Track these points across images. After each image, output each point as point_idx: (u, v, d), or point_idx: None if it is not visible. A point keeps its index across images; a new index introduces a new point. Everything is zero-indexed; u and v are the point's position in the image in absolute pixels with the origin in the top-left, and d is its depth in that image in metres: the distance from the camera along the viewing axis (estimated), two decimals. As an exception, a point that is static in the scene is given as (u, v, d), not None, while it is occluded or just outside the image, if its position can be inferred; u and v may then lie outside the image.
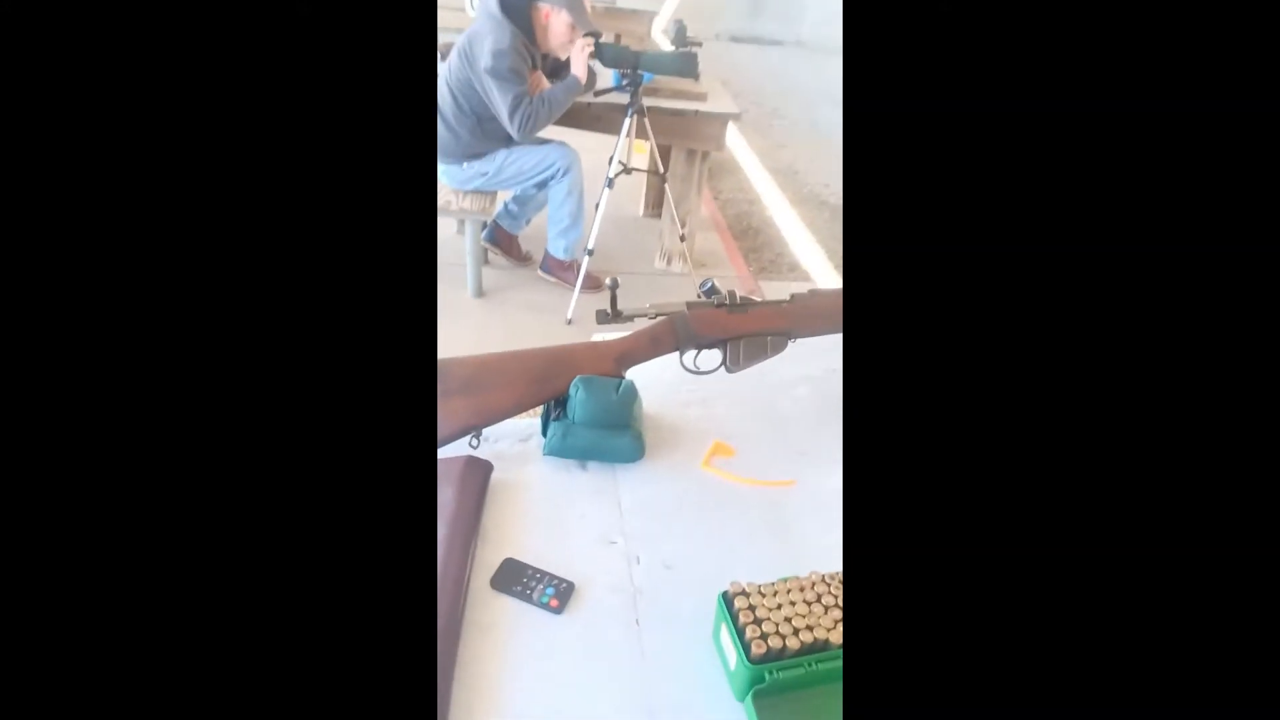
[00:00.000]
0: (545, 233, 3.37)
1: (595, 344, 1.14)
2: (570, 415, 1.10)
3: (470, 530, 0.98)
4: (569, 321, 3.16)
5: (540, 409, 1.15)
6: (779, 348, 1.13)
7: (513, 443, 1.17)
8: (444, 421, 1.06)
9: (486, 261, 3.51)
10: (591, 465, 1.13)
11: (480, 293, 3.33)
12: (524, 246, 3.62)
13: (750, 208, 4.64)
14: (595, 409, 1.08)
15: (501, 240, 3.55)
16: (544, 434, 1.14)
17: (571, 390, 1.09)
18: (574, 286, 3.20)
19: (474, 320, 3.19)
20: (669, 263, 3.62)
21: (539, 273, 3.48)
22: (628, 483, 1.10)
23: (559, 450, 1.11)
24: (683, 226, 3.32)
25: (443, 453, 1.08)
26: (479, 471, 1.06)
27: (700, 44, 2.76)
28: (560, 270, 3.39)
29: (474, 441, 1.09)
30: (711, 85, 3.54)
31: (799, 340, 1.16)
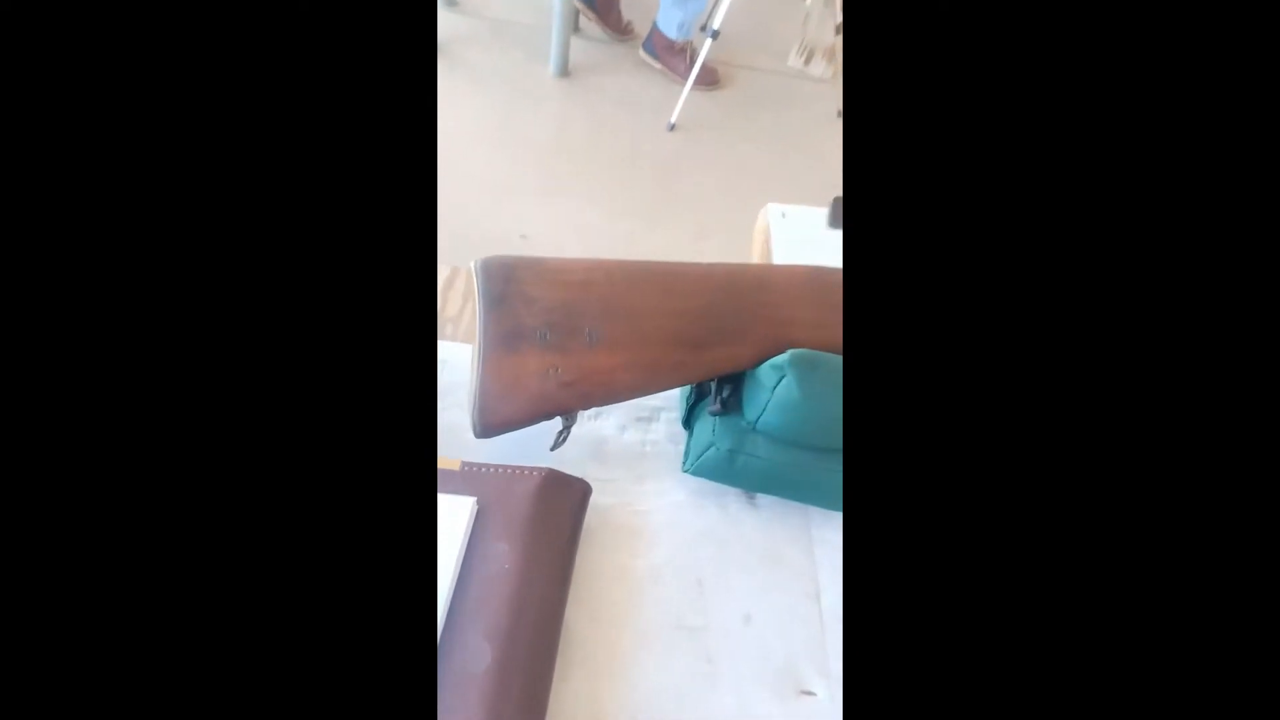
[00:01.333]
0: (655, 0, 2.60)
1: (824, 273, 0.57)
2: (751, 413, 0.57)
3: (550, 614, 0.49)
4: (671, 127, 2.48)
5: (683, 390, 0.61)
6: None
7: (622, 439, 0.65)
8: (510, 390, 0.53)
9: (577, 29, 2.77)
10: (765, 501, 0.61)
11: (564, 71, 2.63)
12: (625, 15, 2.84)
13: None
14: (809, 412, 0.54)
15: (599, 1, 2.78)
16: (685, 425, 0.62)
17: (770, 373, 0.54)
18: (684, 79, 2.48)
19: (552, 107, 2.53)
20: (807, 61, 2.82)
21: (641, 53, 2.73)
22: (836, 542, 0.58)
23: (717, 471, 0.58)
24: (840, 16, 2.51)
25: (509, 450, 0.57)
26: (566, 498, 0.56)
27: None
28: (668, 54, 2.64)
29: (562, 433, 0.57)
30: None
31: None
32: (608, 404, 0.57)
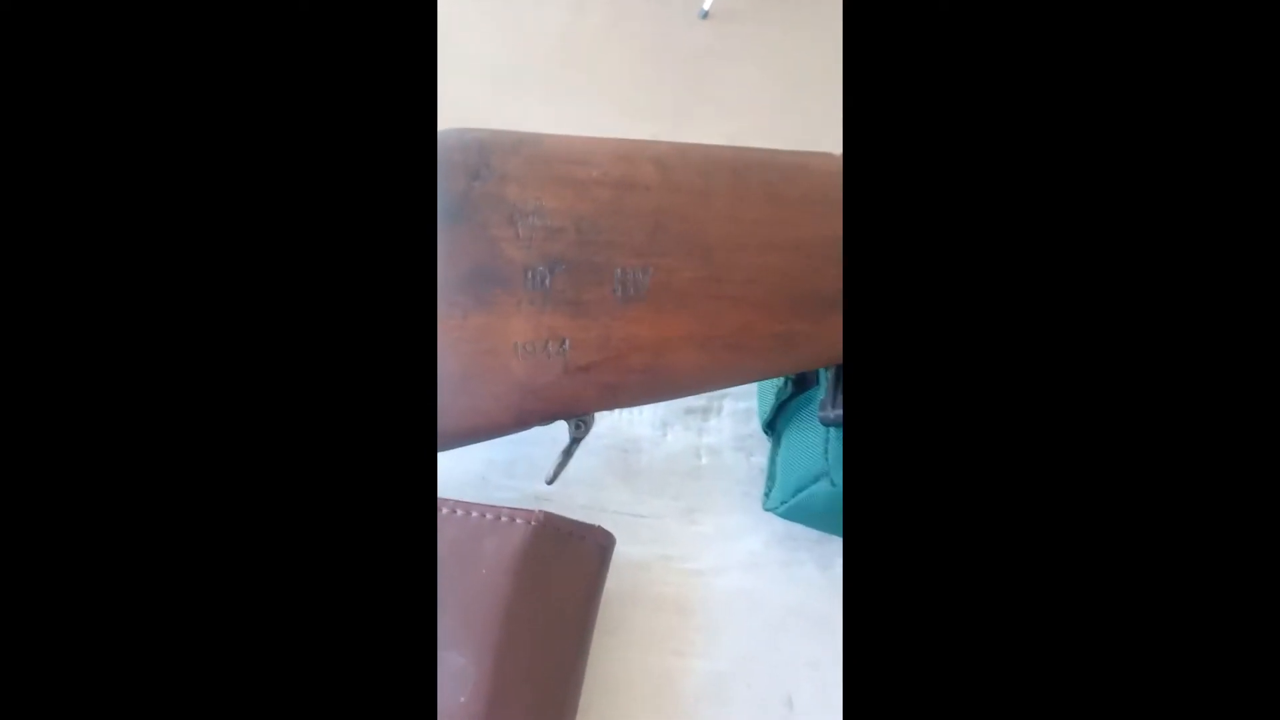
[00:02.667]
0: None
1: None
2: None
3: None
4: (704, 14, 2.14)
5: (772, 384, 0.36)
6: None
7: (663, 444, 0.41)
8: (477, 373, 0.29)
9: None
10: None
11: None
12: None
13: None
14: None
15: None
16: (769, 430, 0.38)
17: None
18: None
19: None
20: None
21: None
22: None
23: (827, 518, 0.34)
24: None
25: (475, 474, 0.33)
26: (571, 563, 0.32)
27: None
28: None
29: (569, 449, 0.33)
30: None
31: None
32: (651, 401, 0.32)
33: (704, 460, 0.39)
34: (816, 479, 0.33)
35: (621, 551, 0.35)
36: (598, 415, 0.33)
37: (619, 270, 0.30)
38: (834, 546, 0.37)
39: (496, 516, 0.32)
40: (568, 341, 0.30)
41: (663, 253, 0.29)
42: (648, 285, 0.30)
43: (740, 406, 0.41)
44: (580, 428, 0.32)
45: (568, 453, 0.32)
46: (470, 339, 0.30)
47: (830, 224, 0.29)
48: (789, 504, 0.34)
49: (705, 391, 0.33)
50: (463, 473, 0.37)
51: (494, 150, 0.30)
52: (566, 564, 0.32)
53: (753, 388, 0.40)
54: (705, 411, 0.41)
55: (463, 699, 0.29)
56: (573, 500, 0.37)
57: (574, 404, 0.31)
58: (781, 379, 0.36)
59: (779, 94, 1.87)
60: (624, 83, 1.92)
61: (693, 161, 0.30)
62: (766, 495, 0.37)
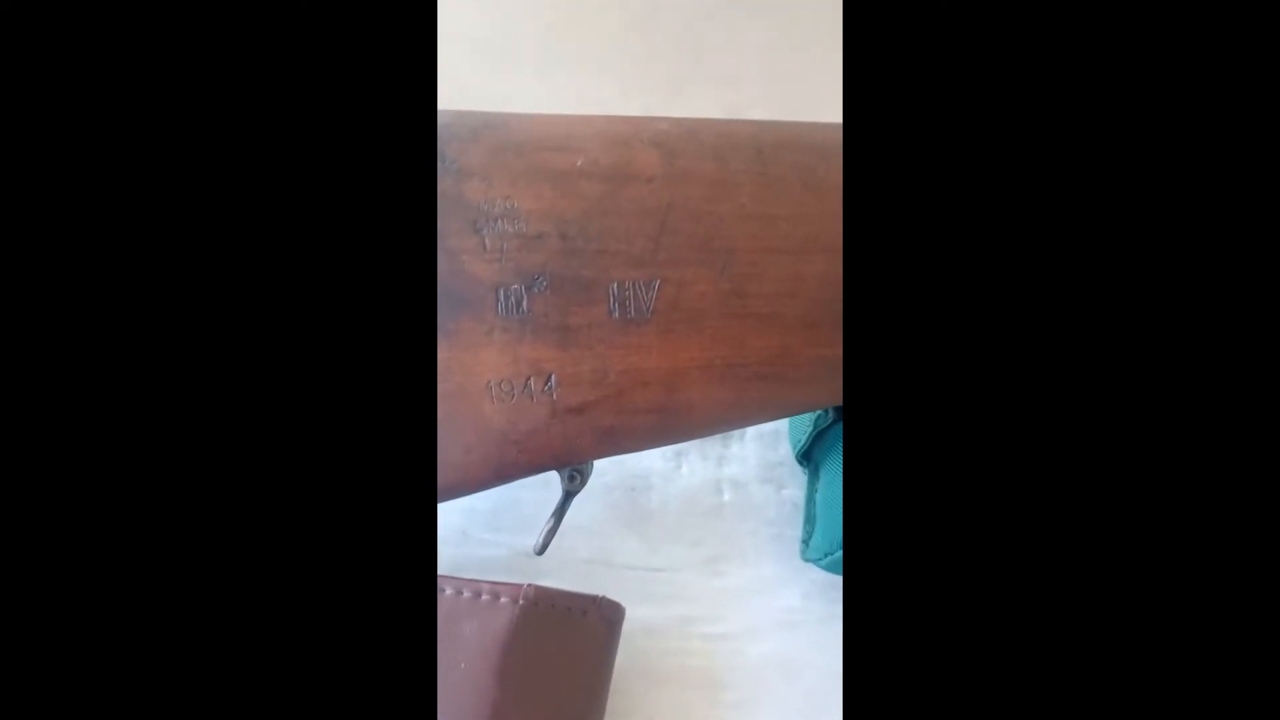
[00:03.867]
0: None
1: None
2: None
3: None
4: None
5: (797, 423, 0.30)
6: None
7: (677, 479, 0.34)
8: (445, 417, 0.23)
9: None
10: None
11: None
12: None
13: None
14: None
15: None
16: (804, 461, 0.31)
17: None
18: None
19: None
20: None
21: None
22: None
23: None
24: None
25: (454, 532, 0.27)
26: (570, 649, 0.26)
27: None
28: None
29: (560, 508, 0.27)
30: None
31: None
32: (662, 445, 0.26)
33: (726, 496, 0.33)
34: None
35: (633, 616, 0.28)
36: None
37: (615, 285, 0.23)
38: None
39: (476, 594, 0.26)
40: (554, 378, 0.23)
41: (671, 261, 0.23)
42: (653, 302, 0.23)
43: (765, 429, 0.35)
44: (575, 479, 0.26)
45: (560, 512, 0.26)
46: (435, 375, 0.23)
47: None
48: (836, 555, 0.28)
49: (730, 430, 0.26)
50: (439, 527, 0.31)
51: (449, 139, 0.23)
52: (565, 648, 0.26)
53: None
54: (725, 438, 0.34)
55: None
56: (572, 553, 0.31)
57: (566, 454, 0.25)
58: (812, 420, 0.29)
59: (783, 59, 1.78)
60: (615, 48, 1.84)
61: (705, 142, 0.23)
62: (805, 543, 0.31)
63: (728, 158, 0.23)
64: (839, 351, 0.23)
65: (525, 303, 0.23)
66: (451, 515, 0.32)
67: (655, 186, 0.23)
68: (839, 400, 0.26)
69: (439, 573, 0.26)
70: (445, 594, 0.26)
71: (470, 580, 0.26)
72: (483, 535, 0.31)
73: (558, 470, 0.26)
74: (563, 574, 0.30)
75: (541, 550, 0.27)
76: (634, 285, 0.23)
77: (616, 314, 0.23)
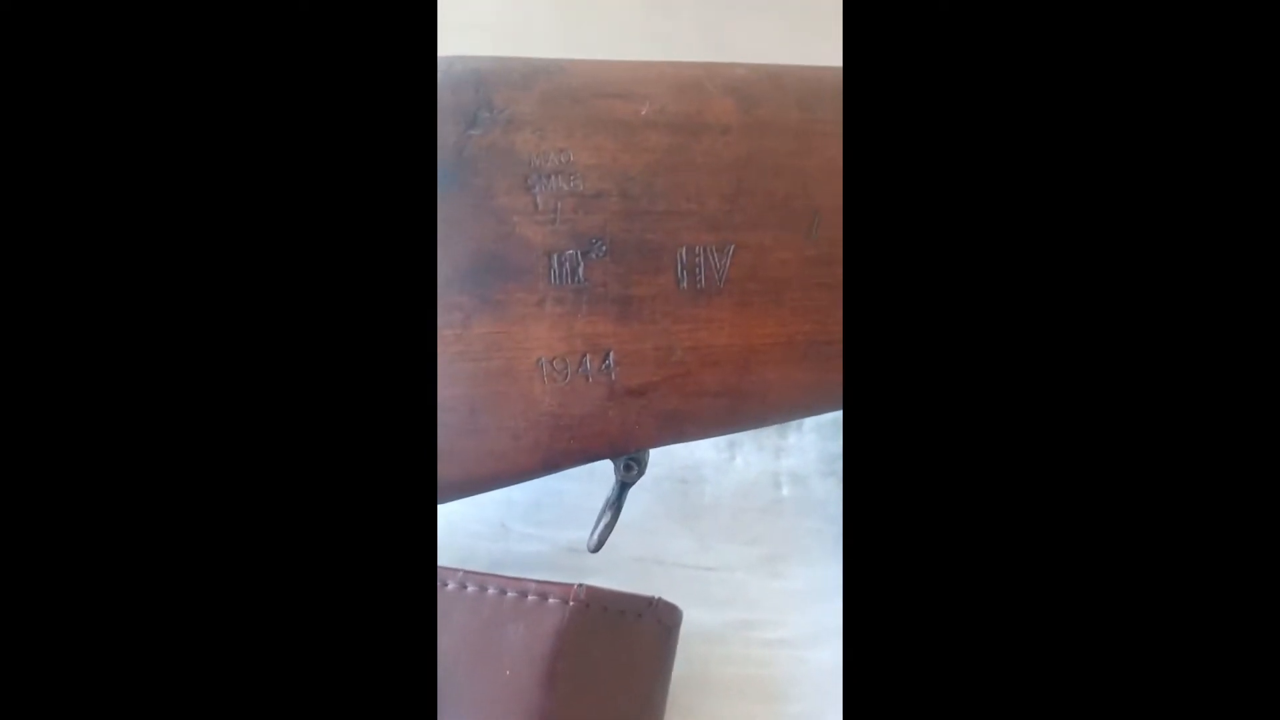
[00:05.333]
0: None
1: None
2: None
3: None
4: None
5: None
6: None
7: (730, 471, 0.31)
8: (488, 400, 0.21)
9: None
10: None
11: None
12: None
13: None
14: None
15: None
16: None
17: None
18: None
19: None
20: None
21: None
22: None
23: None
24: None
25: (497, 525, 0.25)
26: (624, 654, 0.24)
27: None
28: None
29: (615, 502, 0.24)
30: None
31: None
32: (732, 431, 0.24)
33: (785, 491, 0.31)
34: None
35: (687, 619, 0.26)
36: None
37: (684, 250, 0.21)
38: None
39: (522, 594, 0.23)
40: (612, 355, 0.21)
41: (748, 223, 0.20)
42: (727, 270, 0.21)
43: (825, 418, 0.32)
44: (632, 469, 0.23)
45: (615, 505, 0.24)
46: (476, 355, 0.21)
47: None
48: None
49: (807, 416, 0.24)
50: (474, 520, 0.29)
51: (497, 85, 0.21)
52: (618, 654, 0.24)
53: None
54: (782, 427, 0.32)
55: None
56: (620, 552, 0.28)
57: (623, 441, 0.22)
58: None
59: (805, 45, 1.74)
60: (633, 41, 1.80)
61: (788, 89, 0.21)
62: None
63: (813, 106, 0.21)
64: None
65: (581, 270, 0.21)
66: (487, 508, 0.29)
67: (731, 138, 0.20)
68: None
69: (478, 570, 0.24)
70: (488, 594, 0.24)
71: (515, 579, 0.24)
72: (523, 529, 0.29)
73: (612, 459, 0.23)
74: (610, 572, 0.27)
75: (597, 548, 0.24)
76: (705, 251, 0.20)
77: (685, 283, 0.21)
